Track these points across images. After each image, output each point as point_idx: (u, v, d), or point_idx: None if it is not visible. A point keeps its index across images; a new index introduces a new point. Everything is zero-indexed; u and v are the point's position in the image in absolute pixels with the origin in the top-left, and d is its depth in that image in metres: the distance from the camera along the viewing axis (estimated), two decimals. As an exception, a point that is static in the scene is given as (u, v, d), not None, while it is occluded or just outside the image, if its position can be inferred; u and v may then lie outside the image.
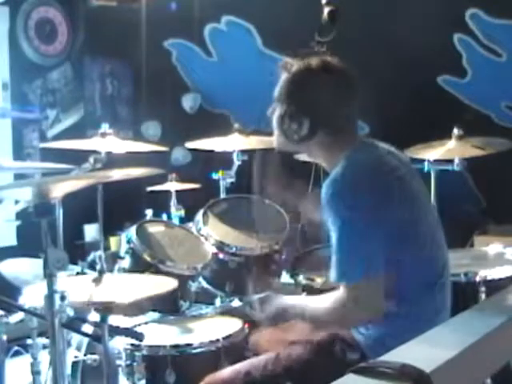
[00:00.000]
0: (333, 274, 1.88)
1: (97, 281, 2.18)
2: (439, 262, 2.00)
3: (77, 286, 2.08)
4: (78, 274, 2.55)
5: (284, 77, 2.01)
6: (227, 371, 2.07)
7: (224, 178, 3.24)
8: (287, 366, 1.98)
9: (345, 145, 1.97)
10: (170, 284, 2.24)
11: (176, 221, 3.40)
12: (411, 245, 1.92)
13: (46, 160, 4.78)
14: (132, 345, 2.36)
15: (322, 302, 1.96)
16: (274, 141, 2.09)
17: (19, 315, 2.36)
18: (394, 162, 1.99)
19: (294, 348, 2.05)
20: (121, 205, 3.97)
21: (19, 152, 4.89)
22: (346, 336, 1.99)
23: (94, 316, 2.08)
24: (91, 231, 4.94)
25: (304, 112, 1.94)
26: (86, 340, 2.53)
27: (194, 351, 2.37)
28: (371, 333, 1.95)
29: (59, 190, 1.77)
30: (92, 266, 2.52)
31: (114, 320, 2.04)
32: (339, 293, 1.88)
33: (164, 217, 3.39)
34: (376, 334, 1.93)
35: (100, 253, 2.30)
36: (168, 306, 2.64)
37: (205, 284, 2.81)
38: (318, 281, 2.91)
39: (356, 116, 2.05)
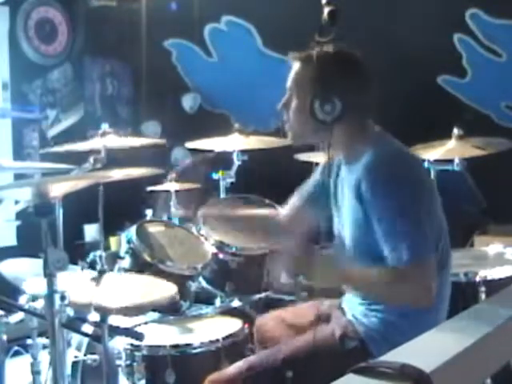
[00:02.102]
0: (397, 252, 1.82)
1: (97, 281, 2.17)
2: (450, 255, 2.02)
3: (77, 287, 2.08)
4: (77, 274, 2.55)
5: (302, 66, 2.04)
6: (229, 369, 2.08)
7: (224, 178, 3.24)
8: (287, 356, 2.00)
9: (366, 134, 2.02)
10: (170, 289, 2.23)
11: (176, 221, 3.41)
12: (437, 232, 1.94)
13: (45, 160, 4.79)
14: (132, 345, 2.36)
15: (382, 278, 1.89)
16: (289, 133, 2.09)
17: (19, 315, 2.36)
18: None
19: (293, 339, 2.08)
20: (121, 205, 3.97)
21: (19, 152, 4.88)
22: (345, 325, 2.01)
23: (93, 316, 2.08)
24: (91, 231, 4.94)
25: (335, 93, 1.94)
26: (85, 340, 2.53)
27: (194, 351, 2.37)
28: (375, 325, 1.96)
29: (59, 189, 1.77)
30: (92, 266, 2.52)
31: (114, 320, 2.05)
32: (401, 271, 1.83)
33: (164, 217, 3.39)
34: (380, 327, 1.95)
35: (100, 252, 2.30)
36: (168, 306, 2.64)
37: (205, 284, 2.81)
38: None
39: (372, 110, 2.08)
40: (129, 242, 2.69)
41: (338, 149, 2.06)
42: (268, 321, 2.36)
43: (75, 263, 2.53)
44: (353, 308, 2.05)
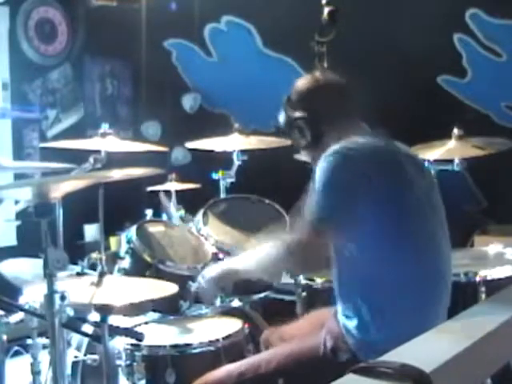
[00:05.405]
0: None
1: (97, 284, 2.17)
2: (435, 262, 1.99)
3: (77, 289, 2.07)
4: (78, 274, 2.55)
5: None
6: (220, 371, 2.08)
7: (224, 178, 3.24)
8: (280, 364, 1.99)
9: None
10: (170, 289, 2.23)
11: (176, 221, 3.40)
12: (398, 238, 1.92)
13: (45, 160, 4.79)
14: (132, 345, 2.36)
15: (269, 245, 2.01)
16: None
17: (19, 315, 2.36)
18: (386, 152, 2.06)
19: (286, 347, 2.08)
20: (121, 205, 3.97)
21: (19, 152, 4.88)
22: (337, 337, 1.99)
23: (94, 316, 2.08)
24: (91, 231, 4.94)
25: (302, 120, 2.06)
26: (86, 340, 2.53)
27: (194, 351, 2.37)
28: (363, 337, 1.93)
29: (59, 190, 1.77)
30: (92, 267, 2.51)
31: (114, 320, 2.04)
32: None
33: (164, 217, 3.39)
34: (368, 339, 1.92)
35: (100, 255, 2.30)
36: (168, 306, 2.64)
37: (205, 284, 2.81)
38: (318, 281, 2.92)
39: (355, 116, 2.10)
40: (129, 242, 2.68)
41: None
42: (272, 333, 2.37)
43: (75, 263, 2.54)
44: (344, 318, 2.02)
